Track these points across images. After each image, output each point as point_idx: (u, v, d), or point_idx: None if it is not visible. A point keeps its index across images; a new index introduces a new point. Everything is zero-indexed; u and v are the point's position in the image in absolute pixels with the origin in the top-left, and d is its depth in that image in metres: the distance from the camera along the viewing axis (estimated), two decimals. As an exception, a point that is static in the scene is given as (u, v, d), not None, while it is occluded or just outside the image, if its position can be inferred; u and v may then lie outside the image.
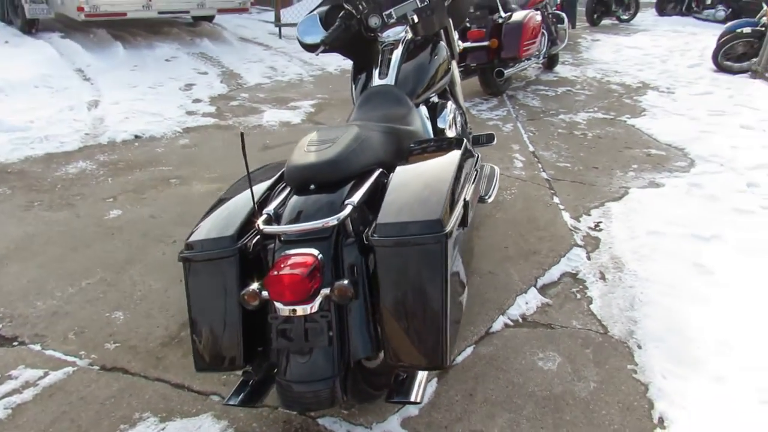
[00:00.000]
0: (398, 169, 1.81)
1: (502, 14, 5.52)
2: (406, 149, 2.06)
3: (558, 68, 7.04)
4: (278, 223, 1.68)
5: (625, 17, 11.62)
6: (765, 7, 7.57)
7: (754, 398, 2.03)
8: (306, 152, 1.80)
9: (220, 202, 1.89)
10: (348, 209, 1.60)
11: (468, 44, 5.38)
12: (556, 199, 3.55)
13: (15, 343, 2.20)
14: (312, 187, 1.73)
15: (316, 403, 1.59)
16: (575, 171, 4.04)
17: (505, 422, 1.91)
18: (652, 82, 6.71)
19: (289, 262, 1.56)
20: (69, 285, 2.54)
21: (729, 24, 8.12)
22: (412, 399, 1.62)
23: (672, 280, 2.72)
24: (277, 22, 8.11)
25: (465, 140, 1.98)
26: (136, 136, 4.24)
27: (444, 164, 1.79)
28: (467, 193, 1.80)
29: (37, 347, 2.18)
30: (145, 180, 3.58)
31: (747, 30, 7.34)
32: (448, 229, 1.52)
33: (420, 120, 2.42)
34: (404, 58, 2.54)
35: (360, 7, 2.68)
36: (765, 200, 3.61)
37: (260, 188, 1.92)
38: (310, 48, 2.76)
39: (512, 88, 6.01)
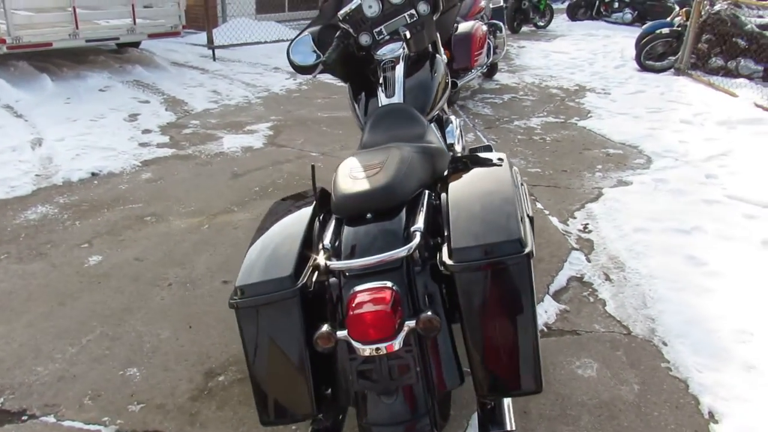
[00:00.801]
0: (452, 189, 1.76)
1: (449, 27, 5.60)
2: (441, 168, 2.02)
3: (497, 76, 7.23)
4: (337, 257, 1.59)
5: (542, 24, 12.13)
6: (677, 8, 8.10)
7: (791, 382, 2.12)
8: (354, 179, 1.73)
9: (262, 238, 1.77)
10: (418, 237, 1.55)
11: (419, 58, 5.41)
12: (539, 205, 3.62)
13: (25, 418, 1.97)
14: (369, 216, 1.65)
15: None
16: (547, 175, 4.13)
17: (571, 436, 1.90)
18: (587, 84, 7.02)
19: (367, 298, 1.48)
20: (68, 344, 2.32)
21: (646, 26, 8.64)
22: (509, 428, 1.58)
23: (673, 274, 2.83)
24: (210, 44, 7.87)
25: (504, 155, 1.97)
26: (93, 174, 3.97)
27: (500, 181, 1.75)
28: (527, 209, 1.78)
29: (52, 419, 1.97)
30: (117, 220, 3.34)
31: (665, 30, 7.84)
32: (528, 247, 1.49)
33: (436, 137, 2.39)
34: (407, 75, 2.51)
35: (358, 25, 2.63)
36: (726, 190, 3.84)
37: (299, 220, 1.82)
38: (304, 70, 2.68)
39: (461, 98, 6.11)
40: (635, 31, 11.14)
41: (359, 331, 1.45)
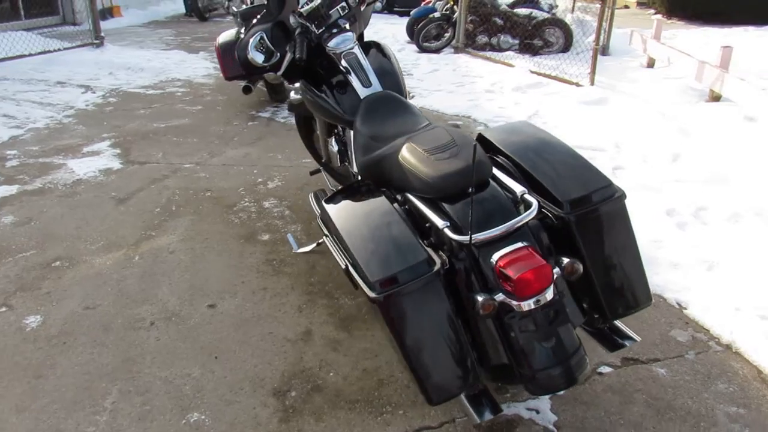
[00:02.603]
0: (519, 155, 1.95)
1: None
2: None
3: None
4: (458, 231, 1.69)
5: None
6: None
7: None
8: (441, 161, 1.83)
9: (360, 235, 1.76)
10: (533, 200, 1.73)
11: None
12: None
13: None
14: (471, 189, 1.78)
15: (572, 380, 1.70)
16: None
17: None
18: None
19: (518, 258, 1.63)
20: (92, 414, 1.96)
21: (414, 12, 9.57)
22: (637, 338, 1.87)
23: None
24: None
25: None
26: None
27: (554, 141, 2.00)
28: None
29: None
30: (19, 273, 2.79)
31: (437, 15, 8.78)
32: (620, 187, 1.80)
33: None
34: (371, 64, 2.59)
35: (317, 20, 2.62)
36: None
37: (383, 209, 1.85)
38: (259, 70, 2.59)
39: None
40: (391, 18, 12.20)
41: (524, 287, 1.59)
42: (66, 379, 2.12)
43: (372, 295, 1.63)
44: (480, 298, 1.63)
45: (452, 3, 8.69)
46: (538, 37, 8.35)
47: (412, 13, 9.65)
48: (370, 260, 1.69)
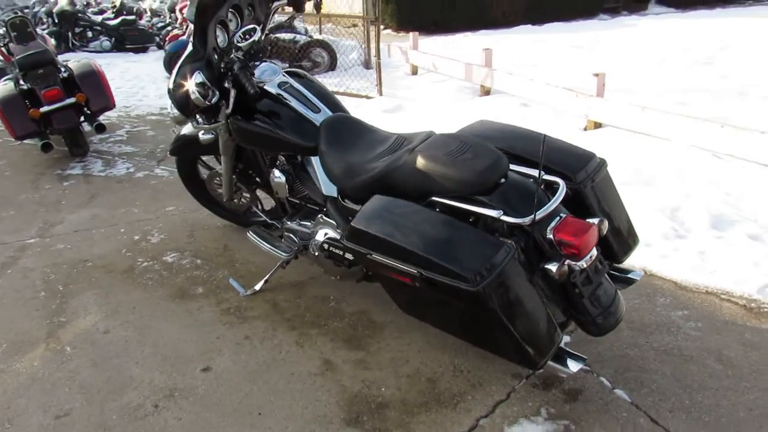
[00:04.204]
0: (509, 146, 2.24)
1: (62, 68, 5.00)
2: None
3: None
4: (518, 215, 1.94)
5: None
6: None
7: None
8: (467, 160, 2.03)
9: (433, 241, 1.90)
10: (559, 179, 2.05)
11: (49, 107, 4.70)
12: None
13: None
14: (503, 180, 2.04)
15: (620, 317, 2.06)
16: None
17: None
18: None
19: (568, 227, 1.94)
20: None
21: (170, 47, 9.19)
22: (640, 273, 2.30)
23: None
24: None
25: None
26: None
27: (526, 129, 2.35)
28: None
29: None
30: None
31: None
32: (601, 158, 2.24)
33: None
34: (308, 90, 2.64)
35: (253, 55, 2.56)
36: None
37: (428, 214, 2.00)
38: (195, 111, 2.48)
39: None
40: (127, 56, 11.54)
41: (584, 248, 1.92)
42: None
43: (471, 288, 1.77)
44: (553, 267, 1.90)
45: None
46: (305, 58, 8.78)
47: (167, 48, 9.23)
48: (456, 260, 1.83)
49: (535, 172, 2.09)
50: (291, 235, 2.77)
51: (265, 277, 2.90)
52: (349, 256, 2.39)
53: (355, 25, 15.20)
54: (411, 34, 8.33)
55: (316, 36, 9.68)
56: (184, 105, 2.48)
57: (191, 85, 2.39)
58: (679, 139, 4.41)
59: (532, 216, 1.89)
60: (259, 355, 2.43)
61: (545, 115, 5.70)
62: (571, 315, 2.05)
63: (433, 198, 2.09)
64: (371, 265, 2.08)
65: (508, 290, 1.84)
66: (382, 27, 13.54)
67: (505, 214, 1.94)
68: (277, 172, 2.72)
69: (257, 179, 3.25)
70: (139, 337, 2.57)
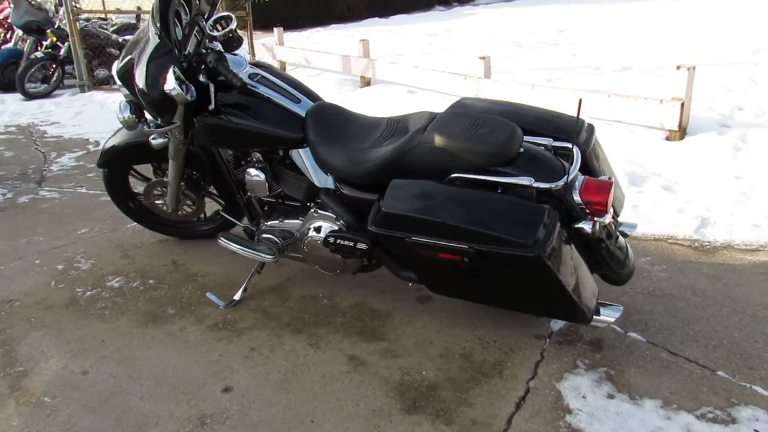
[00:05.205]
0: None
1: None
2: None
3: None
4: (544, 182, 2.04)
5: None
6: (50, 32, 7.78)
7: None
8: (488, 134, 2.08)
9: (485, 211, 1.93)
10: (569, 144, 2.17)
11: None
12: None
13: None
14: (521, 150, 2.12)
15: (634, 265, 2.25)
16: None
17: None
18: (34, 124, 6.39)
19: (591, 185, 2.07)
20: None
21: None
22: (635, 225, 2.49)
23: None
24: None
25: None
26: None
27: (511, 103, 2.44)
28: None
29: None
30: None
31: (39, 54, 7.64)
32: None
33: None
34: (282, 80, 2.52)
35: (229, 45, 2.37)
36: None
37: (468, 192, 2.04)
38: (172, 108, 2.26)
39: None
40: None
41: (609, 205, 2.06)
42: None
43: (531, 254, 1.84)
44: (586, 226, 2.02)
45: (55, 39, 7.69)
46: (161, 61, 8.20)
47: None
48: (512, 229, 1.88)
49: (540, 140, 2.21)
50: (270, 236, 2.61)
51: (243, 286, 2.71)
52: (362, 245, 2.32)
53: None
54: (275, 30, 8.15)
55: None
56: (160, 105, 2.23)
57: (170, 81, 2.16)
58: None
59: (565, 179, 1.99)
60: (277, 364, 2.27)
61: (434, 99, 5.90)
62: (594, 269, 2.19)
63: (454, 175, 2.10)
64: (407, 248, 2.05)
65: (560, 252, 1.93)
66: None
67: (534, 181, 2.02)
68: (253, 171, 2.54)
69: (205, 185, 3.03)
70: (128, 370, 2.27)
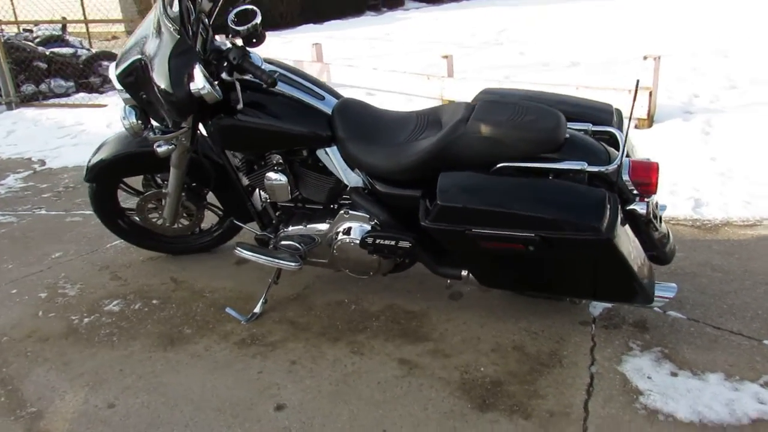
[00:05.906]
0: None
1: None
2: None
3: None
4: (594, 166, 2.03)
5: None
6: None
7: None
8: (532, 122, 2.04)
9: (552, 199, 1.90)
10: (611, 129, 2.17)
11: None
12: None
13: None
14: (567, 136, 2.10)
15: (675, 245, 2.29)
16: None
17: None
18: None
19: (639, 167, 2.08)
20: None
21: None
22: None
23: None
24: None
25: None
26: None
27: (529, 90, 2.43)
28: None
29: None
30: None
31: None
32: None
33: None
34: (300, 77, 2.39)
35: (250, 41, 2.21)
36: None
37: (529, 180, 2.01)
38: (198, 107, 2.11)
39: None
40: None
41: (656, 185, 2.07)
42: None
43: (602, 238, 1.82)
44: (640, 207, 2.02)
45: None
46: (93, 74, 7.77)
47: None
48: (582, 214, 1.86)
49: (580, 126, 2.20)
50: (290, 242, 2.46)
51: (262, 297, 2.55)
52: (404, 243, 2.22)
53: (116, 37, 13.85)
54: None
55: (95, 49, 8.62)
56: (186, 106, 2.05)
57: (199, 79, 1.99)
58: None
59: (618, 161, 1.98)
60: (325, 375, 2.14)
61: (397, 100, 5.88)
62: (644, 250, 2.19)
63: (502, 164, 2.05)
64: (467, 241, 1.98)
65: (624, 234, 1.92)
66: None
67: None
68: (273, 174, 2.39)
69: (204, 195, 2.85)
70: (160, 398, 2.07)
